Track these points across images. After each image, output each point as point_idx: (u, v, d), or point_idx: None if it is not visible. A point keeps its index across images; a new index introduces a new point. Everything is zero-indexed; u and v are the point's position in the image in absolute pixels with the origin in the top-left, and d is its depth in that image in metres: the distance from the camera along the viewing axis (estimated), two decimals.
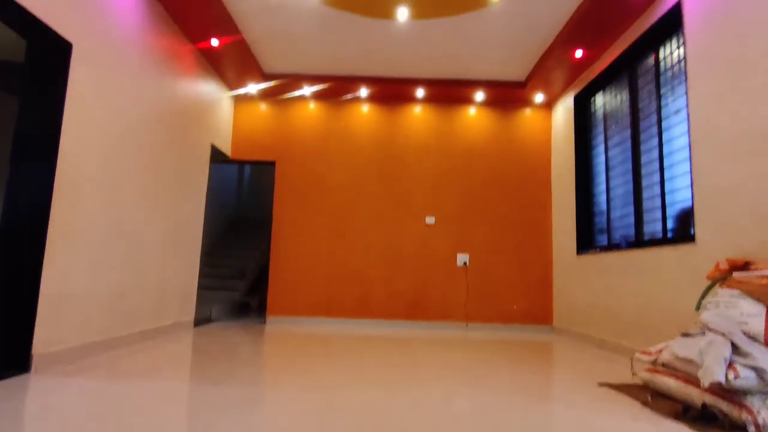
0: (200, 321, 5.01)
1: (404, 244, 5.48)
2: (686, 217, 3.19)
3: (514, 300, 5.39)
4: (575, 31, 3.95)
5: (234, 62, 4.80)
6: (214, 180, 7.51)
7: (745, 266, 2.35)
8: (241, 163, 5.65)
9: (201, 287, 6.32)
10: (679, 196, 3.26)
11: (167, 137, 3.96)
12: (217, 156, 5.22)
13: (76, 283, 2.83)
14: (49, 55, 2.66)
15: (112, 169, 3.16)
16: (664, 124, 3.50)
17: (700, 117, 2.95)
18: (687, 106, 3.08)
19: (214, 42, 4.34)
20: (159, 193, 3.84)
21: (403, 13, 3.97)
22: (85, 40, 2.83)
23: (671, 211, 3.35)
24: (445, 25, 4.17)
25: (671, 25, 3.42)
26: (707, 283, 2.79)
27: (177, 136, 4.15)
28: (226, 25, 4.08)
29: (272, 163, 5.60)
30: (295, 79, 5.24)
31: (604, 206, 4.50)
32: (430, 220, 5.48)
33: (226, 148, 5.44)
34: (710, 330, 2.09)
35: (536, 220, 5.52)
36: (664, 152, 3.48)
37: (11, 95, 4.87)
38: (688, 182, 3.16)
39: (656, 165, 3.59)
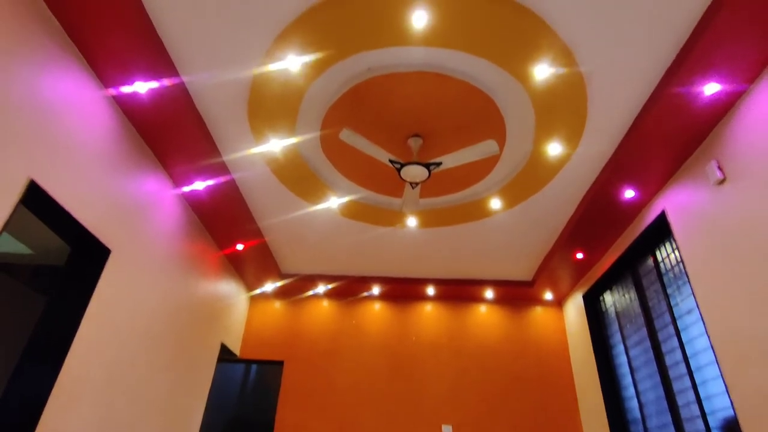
0: None
1: None
2: (733, 430, 2.87)
3: None
4: (573, 235, 4.26)
5: (255, 264, 5.12)
6: (217, 378, 7.17)
7: None
8: (249, 363, 5.48)
9: None
10: (719, 403, 2.99)
11: (180, 336, 3.96)
12: (225, 354, 5.11)
13: None
14: (89, 260, 2.89)
15: (117, 367, 3.08)
16: (679, 323, 3.46)
17: (714, 318, 2.93)
18: (697, 307, 3.09)
19: (239, 246, 4.71)
20: (159, 392, 3.64)
21: (412, 223, 4.38)
22: (124, 247, 3.10)
23: (714, 421, 3.03)
24: (452, 232, 4.55)
25: (662, 230, 3.69)
26: None
27: (189, 334, 4.15)
28: (253, 234, 4.51)
29: (280, 363, 5.42)
30: (310, 279, 5.49)
31: (637, 413, 4.10)
32: (447, 429, 4.96)
33: (236, 346, 5.37)
34: None
35: (565, 428, 4.96)
36: (687, 353, 3.34)
37: (41, 293, 5.10)
38: (723, 387, 2.94)
39: (683, 367, 3.41)
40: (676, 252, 3.51)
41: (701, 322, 3.16)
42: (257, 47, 2.65)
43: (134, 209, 3.20)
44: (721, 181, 2.87)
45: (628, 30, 2.52)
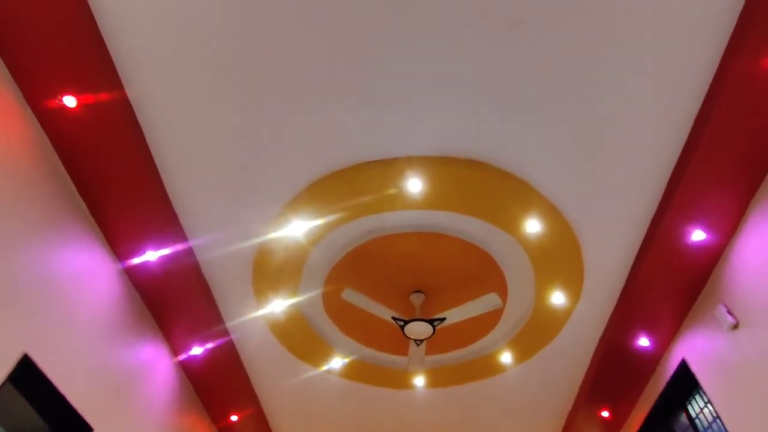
0: None
1: None
2: None
3: None
4: (594, 390, 3.96)
5: None
6: None
7: None
8: None
9: None
10: None
11: None
12: None
13: None
14: None
15: None
16: None
17: None
18: None
19: (234, 417, 4.35)
20: None
21: (419, 382, 4.12)
22: (107, 424, 2.85)
23: None
24: (464, 392, 4.24)
25: (688, 381, 3.44)
26: None
27: None
28: (249, 400, 4.20)
29: None
30: None
31: None
32: None
33: None
34: None
35: None
36: None
37: None
38: None
39: None
40: (710, 406, 3.22)
41: None
42: (265, 215, 2.85)
43: (126, 380, 3.04)
44: (735, 326, 2.78)
45: (609, 182, 2.72)
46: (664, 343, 3.49)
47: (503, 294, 3.33)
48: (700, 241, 2.81)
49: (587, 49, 2.21)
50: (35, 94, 2.27)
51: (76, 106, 2.29)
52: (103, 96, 2.29)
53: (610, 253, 3.08)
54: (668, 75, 2.28)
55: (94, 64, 2.19)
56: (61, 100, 2.27)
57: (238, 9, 2.09)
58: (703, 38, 2.13)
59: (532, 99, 2.40)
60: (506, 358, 3.85)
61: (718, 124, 2.31)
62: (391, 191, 2.71)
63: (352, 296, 2.95)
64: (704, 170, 2.51)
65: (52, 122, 2.35)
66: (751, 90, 2.20)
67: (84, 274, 2.66)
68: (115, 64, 2.23)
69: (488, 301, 2.96)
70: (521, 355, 3.83)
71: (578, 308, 3.41)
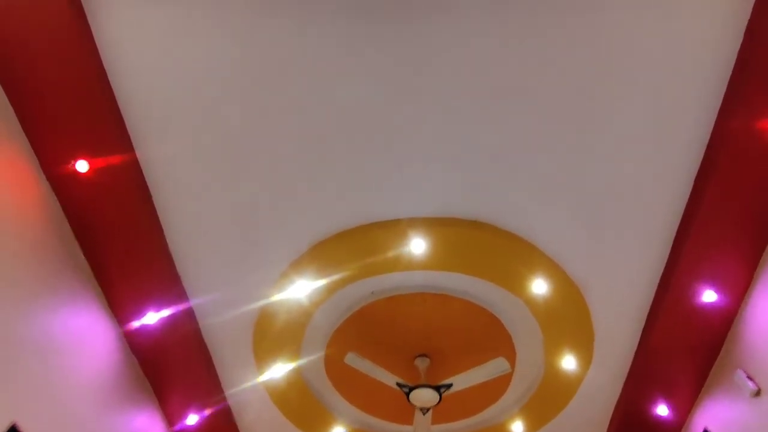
0: None
1: None
2: None
3: None
4: None
5: None
6: None
7: None
8: None
9: None
10: None
11: None
12: None
13: None
14: None
15: None
16: None
17: None
18: None
19: None
20: None
21: None
22: None
23: None
24: None
25: None
26: None
27: None
28: None
29: None
30: None
31: None
32: None
33: None
34: None
35: None
36: None
37: None
38: None
39: None
40: None
41: None
42: (268, 277, 2.83)
43: None
44: (757, 393, 2.64)
45: (614, 241, 2.70)
46: (683, 411, 3.30)
47: (512, 358, 3.21)
48: (711, 303, 2.74)
49: (586, 114, 2.28)
50: (50, 160, 2.34)
51: (88, 170, 2.36)
52: (114, 159, 2.36)
53: (620, 314, 3.00)
54: (666, 136, 2.33)
55: (109, 131, 2.28)
56: (74, 166, 2.34)
57: (245, 84, 2.21)
58: (698, 97, 2.19)
59: (534, 163, 2.45)
60: (518, 427, 3.65)
61: (718, 182, 2.33)
62: (395, 252, 2.70)
63: (355, 361, 2.86)
64: (709, 229, 2.50)
65: (64, 187, 2.41)
66: (748, 148, 2.24)
67: (82, 339, 2.61)
68: (128, 127, 2.31)
69: (496, 366, 2.85)
70: (533, 424, 3.62)
71: (590, 373, 3.27)
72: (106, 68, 2.14)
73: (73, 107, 2.20)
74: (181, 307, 2.87)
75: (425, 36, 2.08)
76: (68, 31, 1.98)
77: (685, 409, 3.28)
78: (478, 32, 2.06)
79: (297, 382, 3.35)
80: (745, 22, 1.97)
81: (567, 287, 2.84)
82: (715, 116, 2.23)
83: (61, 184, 2.40)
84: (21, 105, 2.18)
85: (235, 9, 2.02)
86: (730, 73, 2.10)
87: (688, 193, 2.49)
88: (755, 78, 2.04)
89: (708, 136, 2.30)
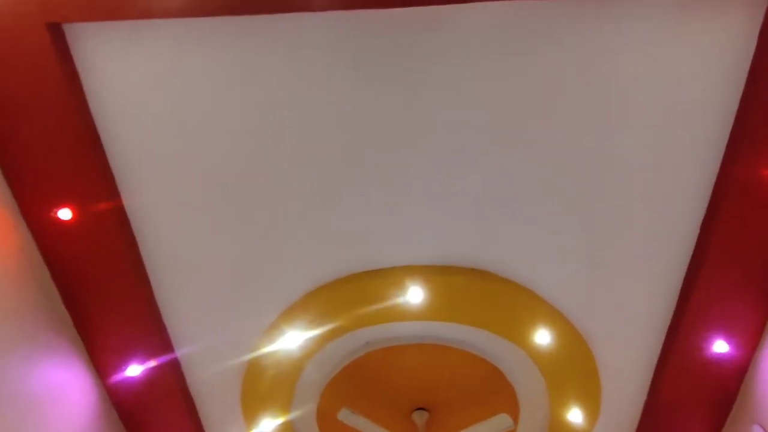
0: None
1: None
2: None
3: None
4: None
5: None
6: None
7: None
8: None
9: None
10: None
11: None
12: None
13: None
14: None
15: None
16: None
17: None
18: None
19: None
20: None
21: None
22: None
23: None
24: None
25: None
26: None
27: None
28: None
29: None
30: None
31: None
32: None
33: None
34: None
35: None
36: None
37: None
38: None
39: None
40: None
41: None
42: (258, 327, 2.71)
43: None
44: None
45: (618, 289, 2.59)
46: None
47: (515, 411, 3.05)
48: (723, 353, 2.61)
49: (589, 160, 2.22)
50: (32, 207, 2.25)
51: (71, 218, 2.27)
52: (99, 207, 2.28)
53: (627, 364, 2.86)
54: (672, 181, 2.26)
55: (94, 177, 2.20)
56: (56, 213, 2.25)
57: (235, 131, 2.15)
58: (703, 143, 2.13)
59: (537, 210, 2.38)
60: None
61: (725, 228, 2.25)
62: (391, 302, 2.59)
63: (349, 417, 2.69)
64: (717, 277, 2.41)
65: (45, 234, 2.32)
66: (754, 194, 2.17)
67: (61, 393, 2.47)
68: (114, 173, 2.24)
69: (499, 423, 2.69)
70: None
71: (599, 427, 3.11)
72: (92, 113, 2.08)
73: (57, 152, 2.13)
74: (166, 358, 2.74)
75: (423, 83, 2.04)
76: (53, 76, 1.92)
77: None
78: (477, 78, 2.02)
79: None
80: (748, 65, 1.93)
81: (571, 337, 2.71)
82: (720, 161, 2.18)
83: (43, 231, 2.31)
84: (1, 149, 2.11)
85: (225, 56, 1.98)
86: (733, 118, 2.06)
87: (694, 241, 2.42)
88: (759, 123, 1.99)
89: (713, 182, 2.24)
